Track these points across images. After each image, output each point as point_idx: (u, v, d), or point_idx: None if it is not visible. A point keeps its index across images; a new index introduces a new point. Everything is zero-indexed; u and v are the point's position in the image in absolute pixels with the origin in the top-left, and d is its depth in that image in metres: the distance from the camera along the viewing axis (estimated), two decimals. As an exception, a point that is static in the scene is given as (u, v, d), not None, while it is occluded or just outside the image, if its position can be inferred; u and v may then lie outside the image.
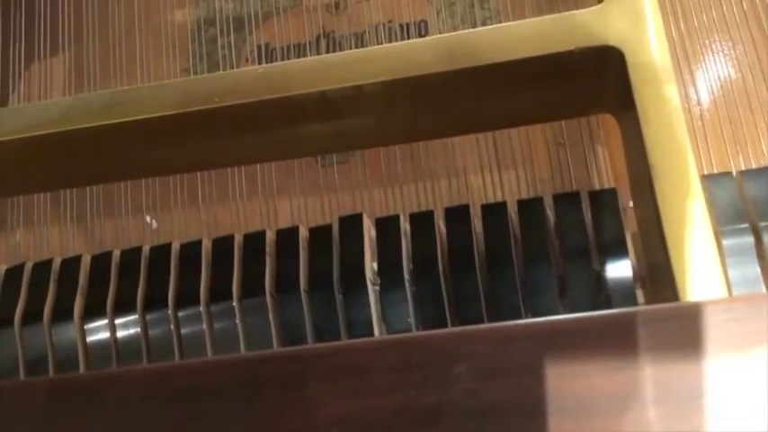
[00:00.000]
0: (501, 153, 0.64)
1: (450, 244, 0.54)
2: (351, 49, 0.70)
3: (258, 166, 0.66)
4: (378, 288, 0.54)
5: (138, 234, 0.67)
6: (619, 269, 0.52)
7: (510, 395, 0.39)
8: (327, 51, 0.70)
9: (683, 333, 0.38)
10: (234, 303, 0.55)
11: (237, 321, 0.55)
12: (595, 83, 0.54)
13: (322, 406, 0.40)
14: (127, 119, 0.56)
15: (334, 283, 0.54)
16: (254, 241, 0.57)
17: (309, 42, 0.71)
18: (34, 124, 0.57)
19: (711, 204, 0.50)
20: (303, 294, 0.55)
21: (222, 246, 0.57)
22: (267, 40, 0.72)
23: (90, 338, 0.57)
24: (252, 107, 0.55)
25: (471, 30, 0.56)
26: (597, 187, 0.61)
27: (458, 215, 0.55)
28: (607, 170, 0.62)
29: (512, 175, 0.63)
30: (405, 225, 0.56)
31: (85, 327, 0.57)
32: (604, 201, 0.54)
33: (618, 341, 0.39)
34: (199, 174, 0.66)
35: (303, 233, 0.57)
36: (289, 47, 0.71)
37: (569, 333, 0.40)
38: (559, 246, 0.53)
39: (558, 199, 0.55)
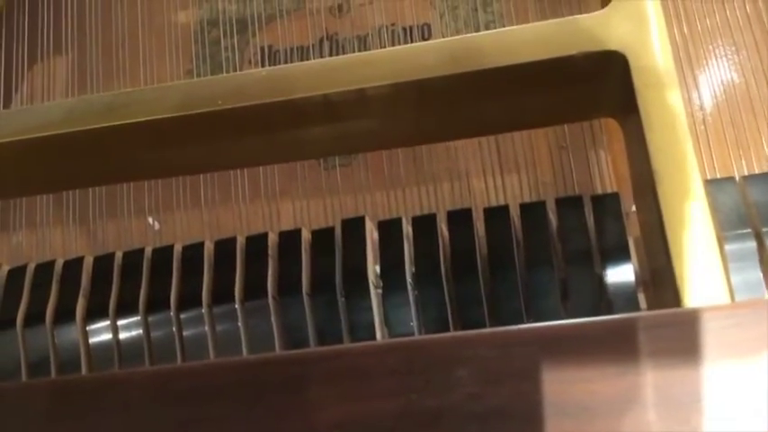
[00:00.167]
0: (504, 156, 0.64)
1: (453, 247, 0.54)
2: (354, 52, 0.69)
3: (261, 168, 0.66)
4: (380, 291, 0.54)
5: (141, 236, 0.67)
6: (621, 274, 0.51)
7: (511, 399, 0.39)
8: (330, 54, 0.70)
9: (685, 339, 0.38)
10: (236, 306, 0.55)
11: (240, 324, 0.55)
12: (598, 87, 0.54)
13: (324, 409, 0.40)
14: (129, 120, 0.56)
15: (337, 285, 0.54)
16: (257, 243, 0.57)
17: (312, 45, 0.71)
18: (37, 126, 0.57)
19: (714, 209, 0.50)
20: (305, 297, 0.54)
21: (224, 248, 0.57)
22: (270, 42, 0.72)
23: (92, 340, 0.57)
24: (255, 110, 0.55)
25: (474, 33, 0.57)
26: (600, 191, 0.61)
27: (460, 218, 0.55)
28: (610, 174, 0.62)
29: (514, 179, 0.63)
30: (407, 228, 0.56)
31: (88, 328, 0.57)
32: (607, 205, 0.54)
33: (619, 346, 0.39)
34: (201, 176, 0.66)
35: (306, 236, 0.57)
36: (292, 49, 0.71)
37: (571, 338, 0.40)
38: (562, 250, 0.53)
39: (561, 203, 0.55)
